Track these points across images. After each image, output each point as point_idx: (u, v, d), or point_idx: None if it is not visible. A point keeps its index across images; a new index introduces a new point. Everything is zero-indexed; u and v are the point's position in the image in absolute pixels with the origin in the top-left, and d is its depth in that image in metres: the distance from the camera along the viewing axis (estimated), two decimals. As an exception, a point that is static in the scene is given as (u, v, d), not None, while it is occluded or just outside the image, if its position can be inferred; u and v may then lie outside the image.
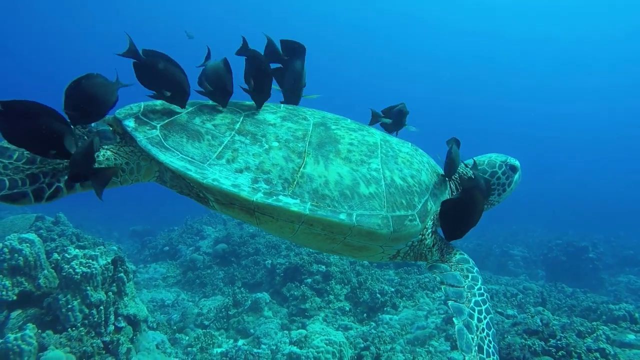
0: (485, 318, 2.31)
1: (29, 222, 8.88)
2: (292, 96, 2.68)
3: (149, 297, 9.31)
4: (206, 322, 7.76)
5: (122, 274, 5.13)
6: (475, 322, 2.28)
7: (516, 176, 2.88)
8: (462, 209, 2.39)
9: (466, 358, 2.16)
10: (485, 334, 2.26)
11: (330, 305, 7.92)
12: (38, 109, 1.75)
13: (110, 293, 4.96)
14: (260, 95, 2.38)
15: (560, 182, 54.21)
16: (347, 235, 2.19)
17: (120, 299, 5.08)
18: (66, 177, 1.97)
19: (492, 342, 2.25)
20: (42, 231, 8.19)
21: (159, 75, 2.15)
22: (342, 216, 2.11)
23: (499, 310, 7.49)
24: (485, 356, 2.19)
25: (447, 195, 2.64)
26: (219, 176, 2.05)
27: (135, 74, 2.16)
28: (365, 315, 7.75)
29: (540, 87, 60.51)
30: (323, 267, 8.52)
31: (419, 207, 2.34)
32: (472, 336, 2.23)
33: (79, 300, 4.73)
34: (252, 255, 10.46)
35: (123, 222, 19.61)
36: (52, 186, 1.95)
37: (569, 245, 14.94)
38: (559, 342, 5.48)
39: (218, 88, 2.28)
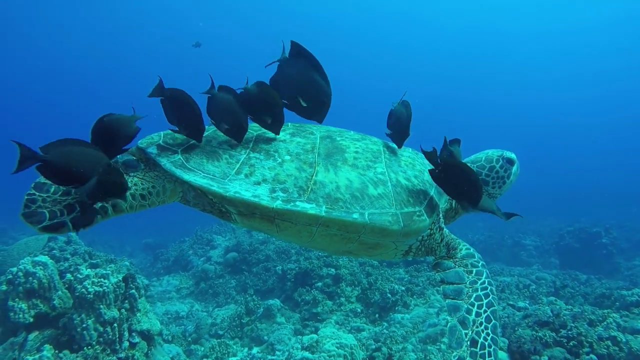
0: (485, 312, 2.34)
1: (42, 242, 9.05)
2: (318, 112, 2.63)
3: (163, 310, 9.44)
4: (220, 332, 7.87)
5: (133, 291, 5.23)
6: (472, 317, 2.33)
7: (514, 168, 2.98)
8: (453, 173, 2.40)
9: (454, 354, 2.22)
10: (483, 327, 2.29)
11: (342, 308, 7.99)
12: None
13: (123, 310, 5.07)
14: (277, 125, 2.46)
15: (569, 169, 53.93)
16: (361, 233, 2.33)
17: (133, 315, 5.19)
18: (100, 204, 2.14)
19: (491, 335, 2.27)
20: (55, 251, 8.35)
21: (180, 113, 2.33)
22: (355, 215, 2.26)
23: (511, 302, 7.50)
24: (478, 349, 2.22)
25: None
26: (240, 189, 2.24)
27: (163, 109, 2.38)
28: (377, 315, 7.80)
29: (538, 78, 59.84)
30: (333, 270, 8.58)
31: (425, 203, 2.48)
32: (466, 331, 2.28)
33: (93, 319, 4.84)
34: (262, 262, 10.56)
35: (135, 235, 19.84)
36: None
37: (581, 231, 14.86)
38: (569, 332, 5.50)
39: (233, 125, 2.38)
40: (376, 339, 6.50)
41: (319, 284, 8.38)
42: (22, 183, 2.19)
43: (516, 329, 5.89)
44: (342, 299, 8.10)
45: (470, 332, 2.27)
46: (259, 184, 2.28)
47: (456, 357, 2.21)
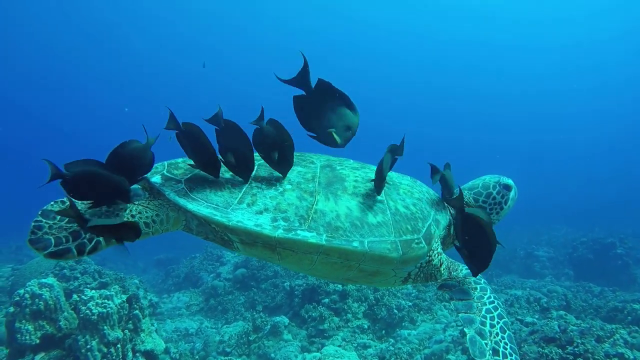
0: (498, 323, 2.41)
1: (53, 262, 9.19)
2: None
3: (173, 327, 9.50)
4: (228, 349, 7.88)
5: (137, 311, 5.31)
6: (488, 328, 2.39)
7: (511, 194, 3.01)
8: (471, 231, 2.40)
9: None
10: (500, 337, 2.35)
11: (348, 324, 7.96)
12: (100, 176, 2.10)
13: (126, 330, 5.14)
14: (285, 166, 2.48)
15: (582, 178, 53.16)
16: (361, 261, 2.36)
17: (136, 335, 5.26)
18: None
19: (509, 344, 2.33)
20: (65, 270, 8.46)
21: (195, 148, 2.38)
22: (355, 244, 2.29)
23: (519, 317, 7.39)
24: (501, 357, 2.27)
25: (447, 220, 2.77)
26: (242, 218, 2.27)
27: (178, 142, 2.45)
28: (383, 332, 7.76)
29: (542, 90, 59.00)
30: (339, 286, 8.57)
31: (424, 230, 2.51)
32: (486, 341, 2.33)
33: (97, 340, 4.92)
34: (270, 278, 10.58)
35: (147, 252, 19.99)
36: (92, 241, 2.17)
37: (595, 242, 14.56)
38: (576, 349, 5.41)
39: (240, 165, 2.42)
40: (381, 356, 6.46)
41: (326, 300, 8.37)
42: (38, 200, 2.31)
43: (522, 345, 5.82)
44: (349, 315, 8.07)
45: (490, 342, 2.33)
46: (260, 213, 2.31)
47: None
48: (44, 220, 2.16)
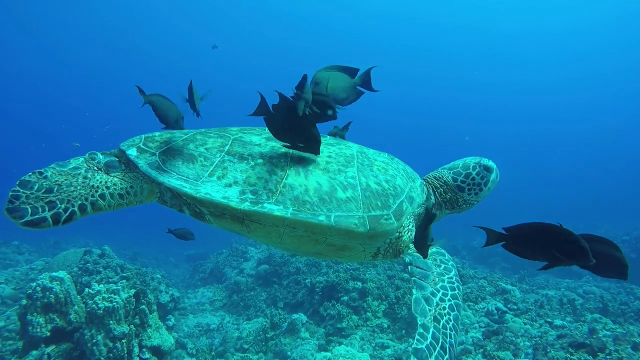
0: (450, 300, 2.33)
1: (79, 255, 9.41)
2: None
3: (195, 322, 9.53)
4: (245, 346, 7.80)
5: (144, 307, 5.27)
6: (436, 299, 2.32)
7: (492, 176, 3.00)
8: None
9: (418, 319, 2.21)
10: (446, 312, 2.28)
11: (367, 323, 7.71)
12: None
13: (132, 326, 5.10)
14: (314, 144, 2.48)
15: (624, 173, 50.50)
16: (327, 235, 2.37)
17: (143, 331, 5.22)
18: (80, 202, 2.29)
19: (452, 321, 2.25)
20: (89, 264, 8.63)
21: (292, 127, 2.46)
22: (322, 217, 2.30)
23: (548, 320, 6.94)
24: (440, 327, 2.19)
25: (423, 197, 2.80)
26: (211, 190, 2.31)
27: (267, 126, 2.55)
28: (404, 331, 7.47)
29: (558, 79, 56.05)
30: (359, 283, 8.34)
31: (394, 207, 2.51)
32: (430, 308, 2.27)
33: (102, 334, 4.90)
34: (293, 274, 10.44)
35: (179, 247, 20.33)
36: (67, 211, 2.23)
37: (639, 240, 13.68)
38: (608, 356, 4.98)
39: (311, 140, 2.45)
40: (398, 357, 6.19)
41: (345, 298, 8.15)
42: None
43: (548, 350, 5.42)
44: (369, 314, 7.83)
45: (432, 310, 2.27)
46: (230, 185, 2.34)
47: (421, 322, 2.20)
48: (22, 190, 2.20)
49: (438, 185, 3.02)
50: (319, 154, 2.48)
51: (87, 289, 5.68)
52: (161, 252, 19.60)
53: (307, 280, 9.62)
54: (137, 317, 5.21)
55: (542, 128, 59.61)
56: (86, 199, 2.30)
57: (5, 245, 14.80)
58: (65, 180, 2.32)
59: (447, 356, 2.11)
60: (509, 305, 7.98)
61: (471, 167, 2.98)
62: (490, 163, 2.99)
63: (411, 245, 2.65)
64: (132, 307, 5.20)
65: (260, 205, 2.27)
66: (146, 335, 5.20)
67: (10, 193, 2.18)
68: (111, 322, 4.94)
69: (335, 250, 2.56)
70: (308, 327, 7.96)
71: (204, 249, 18.55)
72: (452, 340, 2.18)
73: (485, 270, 12.61)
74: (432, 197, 2.97)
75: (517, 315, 7.69)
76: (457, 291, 2.40)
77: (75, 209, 2.26)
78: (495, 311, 7.46)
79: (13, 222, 2.10)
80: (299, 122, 2.35)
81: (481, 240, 19.07)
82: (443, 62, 57.76)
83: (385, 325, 7.66)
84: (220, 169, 2.41)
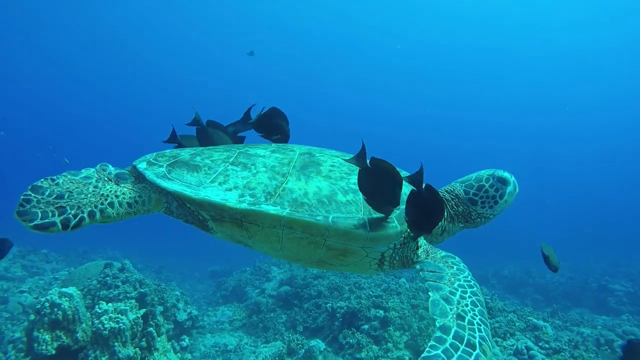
0: (470, 297, 2.20)
1: (99, 268, 9.35)
2: None
3: (212, 342, 9.27)
4: (260, 372, 7.48)
5: (152, 329, 5.05)
6: (457, 298, 2.20)
7: (509, 188, 2.89)
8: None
9: (438, 321, 2.05)
10: (469, 308, 2.14)
11: (388, 355, 7.26)
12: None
13: (137, 349, 4.88)
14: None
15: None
16: (326, 236, 2.35)
17: (149, 354, 4.99)
18: (89, 208, 2.36)
19: (479, 316, 2.11)
20: (108, 278, 8.53)
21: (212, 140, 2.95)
22: (319, 217, 2.31)
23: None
24: (466, 324, 2.04)
25: None
26: (210, 193, 2.39)
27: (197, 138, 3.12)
28: (427, 367, 6.98)
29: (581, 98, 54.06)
30: (381, 312, 7.92)
31: (397, 211, 2.45)
32: (451, 307, 2.14)
33: (107, 357, 4.70)
34: (314, 297, 10.08)
35: (205, 262, 20.31)
36: (77, 217, 2.29)
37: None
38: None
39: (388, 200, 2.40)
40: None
41: (366, 326, 7.74)
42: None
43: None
44: (389, 345, 7.38)
45: (455, 309, 2.12)
46: (230, 190, 2.42)
47: (441, 324, 2.04)
48: (33, 195, 2.26)
49: (449, 198, 2.98)
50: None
51: (96, 307, 5.53)
52: (187, 267, 19.59)
53: (328, 305, 9.25)
54: (144, 339, 4.99)
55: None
56: (95, 206, 2.37)
57: (34, 252, 15.00)
58: (77, 188, 2.41)
59: (476, 352, 1.91)
60: (540, 344, 7.39)
61: (484, 179, 2.91)
62: (506, 175, 2.89)
63: (419, 252, 2.59)
64: (140, 328, 4.99)
65: (257, 206, 2.32)
66: (152, 359, 4.97)
67: (22, 197, 2.23)
68: (116, 344, 4.73)
69: (337, 255, 2.51)
70: (326, 355, 7.57)
71: (229, 265, 18.43)
72: (484, 334, 2.00)
73: (515, 302, 11.91)
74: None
75: (549, 355, 7.10)
76: (475, 289, 2.29)
77: (85, 215, 2.32)
78: (525, 350, 6.89)
79: (22, 225, 2.13)
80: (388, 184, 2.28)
81: (513, 268, 18.19)
82: (466, 83, 57.16)
83: (407, 358, 7.19)
84: (222, 176, 2.51)
